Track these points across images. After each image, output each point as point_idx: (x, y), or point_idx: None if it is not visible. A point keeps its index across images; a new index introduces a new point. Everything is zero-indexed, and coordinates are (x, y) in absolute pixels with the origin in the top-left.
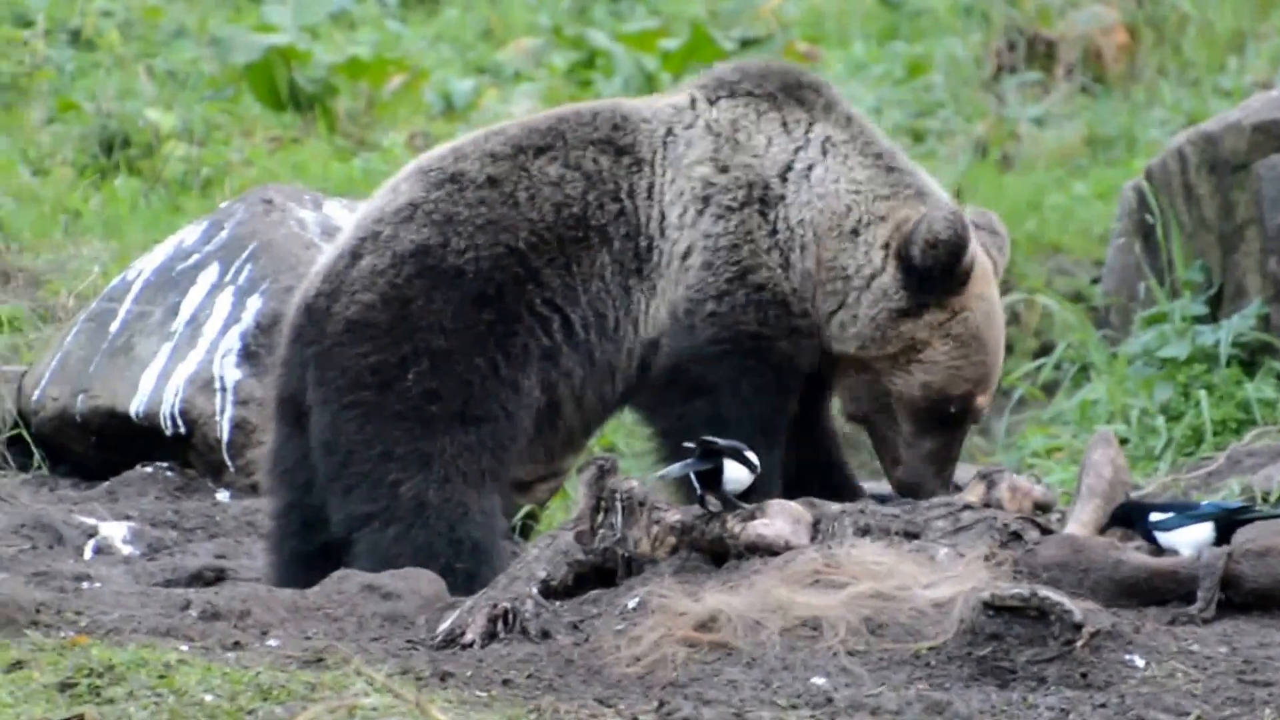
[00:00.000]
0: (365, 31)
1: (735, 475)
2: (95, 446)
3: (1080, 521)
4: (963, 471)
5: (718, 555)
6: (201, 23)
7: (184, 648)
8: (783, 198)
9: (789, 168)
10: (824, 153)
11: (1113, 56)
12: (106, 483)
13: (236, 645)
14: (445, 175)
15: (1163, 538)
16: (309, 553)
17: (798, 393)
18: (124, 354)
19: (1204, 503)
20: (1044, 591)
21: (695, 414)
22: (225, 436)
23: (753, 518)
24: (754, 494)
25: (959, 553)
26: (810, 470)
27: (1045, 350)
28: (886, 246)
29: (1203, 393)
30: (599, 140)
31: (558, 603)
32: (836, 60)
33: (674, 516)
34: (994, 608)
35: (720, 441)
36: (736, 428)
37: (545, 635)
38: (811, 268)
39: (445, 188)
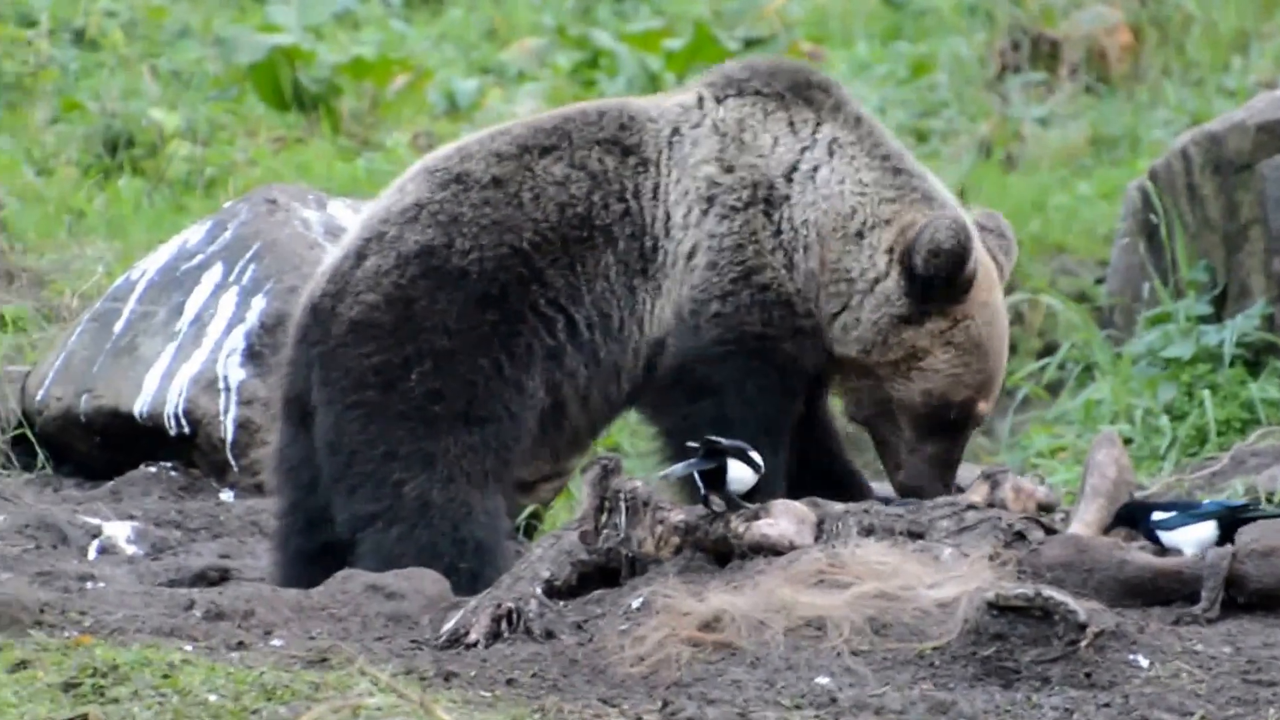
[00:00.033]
0: (369, 31)
1: (740, 475)
2: (99, 446)
3: (1084, 521)
4: (967, 472)
5: (722, 555)
6: (206, 23)
7: (188, 648)
8: (787, 198)
9: (794, 168)
10: (830, 153)
11: (1117, 56)
12: (110, 483)
13: (240, 645)
14: (450, 176)
15: (1165, 537)
16: (313, 552)
17: (803, 394)
18: (128, 354)
19: (1206, 501)
20: (1048, 591)
21: (700, 414)
22: (229, 436)
23: (757, 518)
24: (758, 494)
25: (963, 553)
26: (810, 463)
27: (1049, 350)
28: (891, 251)
29: (1207, 393)
30: (605, 140)
31: (562, 603)
32: (840, 60)
33: (678, 516)
34: (998, 608)
35: (724, 441)
36: (741, 428)
37: (549, 635)
38: (815, 268)
39: (450, 188)
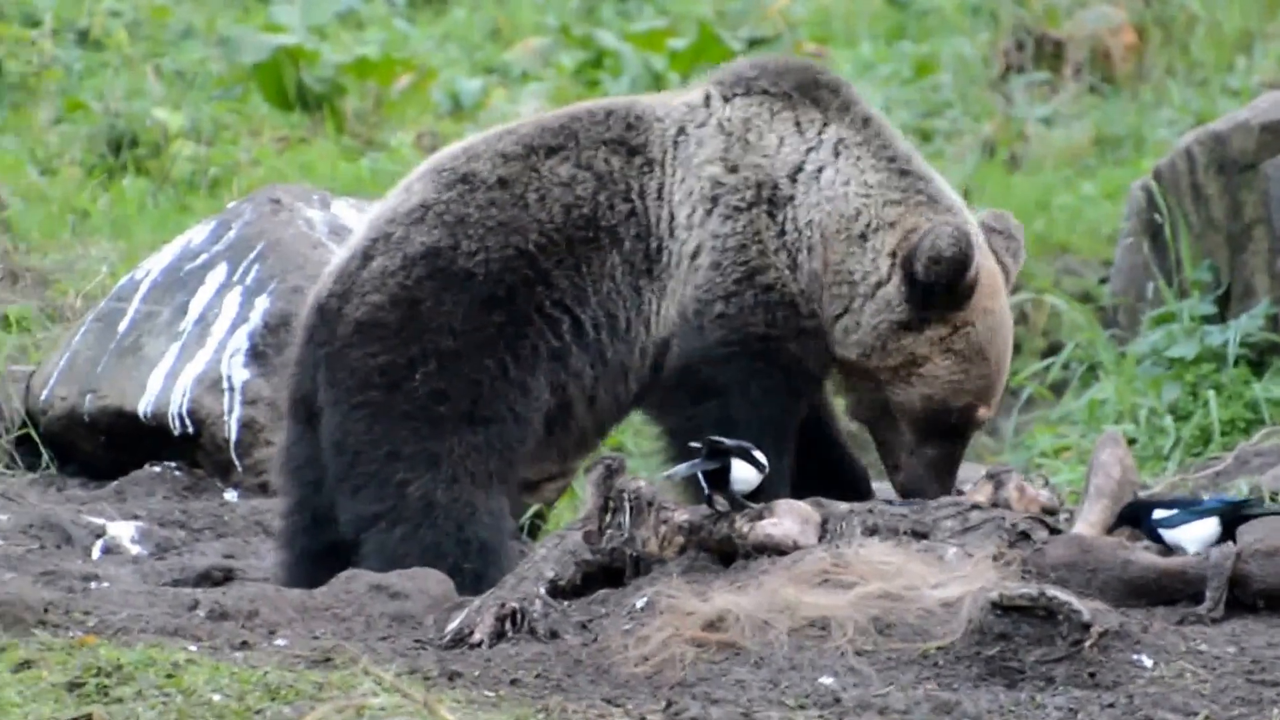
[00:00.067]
0: (373, 31)
1: (744, 475)
2: (103, 446)
3: (1088, 521)
4: (971, 471)
5: (726, 555)
6: (209, 22)
7: (192, 647)
8: (792, 198)
9: (799, 169)
10: (836, 154)
11: (1121, 56)
12: (114, 482)
13: (244, 645)
14: (457, 176)
15: (1168, 534)
16: (319, 551)
17: (808, 395)
18: (132, 354)
19: (1208, 498)
20: (1052, 591)
21: (704, 415)
22: (233, 436)
23: (761, 517)
24: (762, 495)
25: (967, 552)
26: (810, 454)
27: (1053, 350)
28: (894, 255)
29: (1211, 392)
30: (611, 140)
31: (565, 602)
32: (844, 60)
33: (682, 516)
34: (1002, 607)
35: (727, 441)
36: (746, 429)
37: (553, 635)
38: (819, 269)
39: (456, 189)
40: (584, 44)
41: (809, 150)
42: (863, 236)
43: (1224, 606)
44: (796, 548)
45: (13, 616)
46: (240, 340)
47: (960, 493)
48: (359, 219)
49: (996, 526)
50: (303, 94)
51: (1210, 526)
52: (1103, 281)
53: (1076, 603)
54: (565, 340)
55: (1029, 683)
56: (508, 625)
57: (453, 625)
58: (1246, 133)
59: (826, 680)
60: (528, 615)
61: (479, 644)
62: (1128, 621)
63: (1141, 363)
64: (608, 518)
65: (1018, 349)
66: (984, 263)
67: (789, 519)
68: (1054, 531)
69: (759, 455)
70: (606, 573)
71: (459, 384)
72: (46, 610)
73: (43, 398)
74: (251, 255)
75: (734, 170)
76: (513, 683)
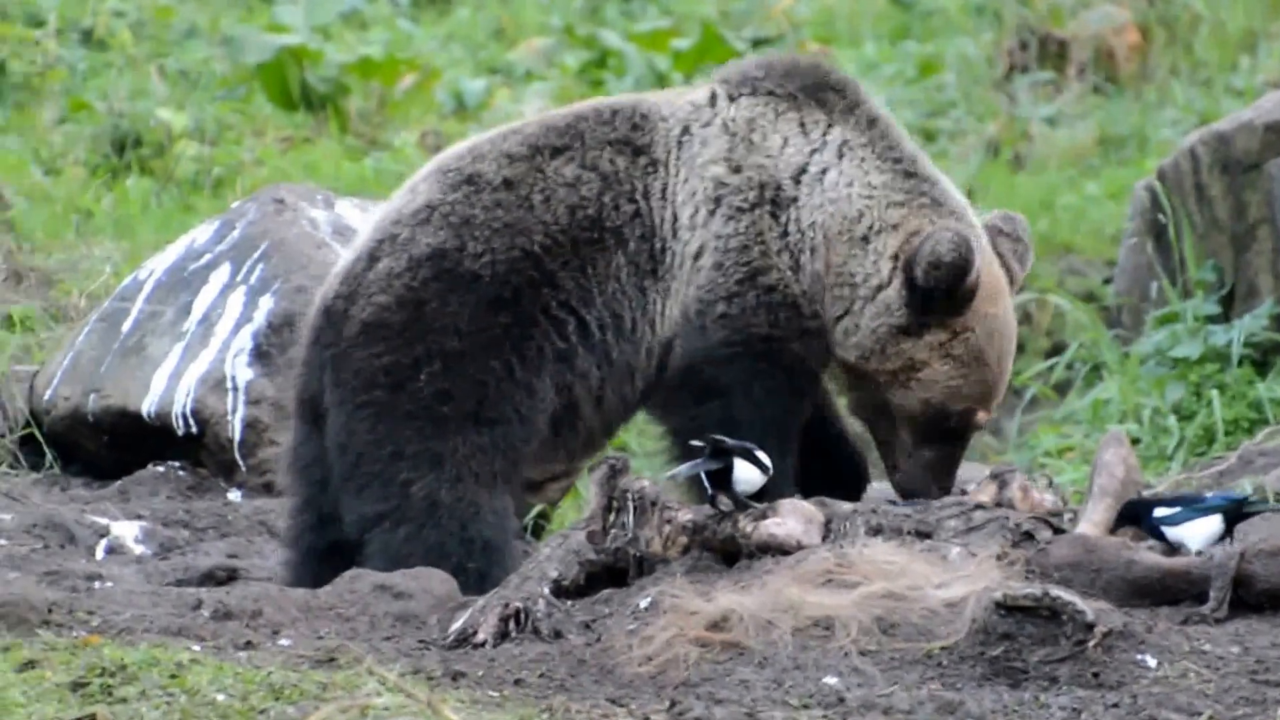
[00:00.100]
0: (377, 31)
1: (747, 476)
2: (107, 446)
3: (1092, 521)
4: (975, 471)
5: (729, 555)
6: (213, 22)
7: (196, 647)
8: (795, 199)
9: (803, 170)
10: (840, 156)
11: (1125, 56)
12: (118, 482)
13: (248, 645)
14: (462, 177)
15: (1170, 532)
16: (324, 550)
17: (811, 395)
18: (136, 354)
19: (1209, 495)
20: (1056, 591)
21: (708, 415)
22: (237, 436)
23: (764, 517)
24: (766, 495)
25: (971, 552)
26: (812, 443)
27: (1057, 350)
28: (896, 258)
29: (1215, 392)
30: (616, 140)
31: (569, 602)
32: (848, 60)
33: (686, 516)
34: (1006, 608)
35: (730, 441)
36: (749, 430)
37: (557, 635)
38: (821, 270)
39: (462, 189)
40: (588, 44)
41: (813, 151)
42: (865, 239)
43: (1228, 607)
44: (800, 547)
45: (17, 616)
46: (244, 340)
47: (964, 492)
48: (363, 219)
49: (1000, 526)
50: (306, 94)
51: (1214, 524)
52: (1106, 281)
53: (1080, 603)
54: (571, 341)
55: (1033, 683)
56: (512, 625)
57: (456, 625)
58: (1250, 133)
59: (830, 680)
60: (531, 615)
61: (483, 644)
62: (1131, 621)
63: (1145, 363)
64: (611, 517)
65: (1021, 349)
66: (985, 267)
67: (792, 519)
68: (1058, 531)
69: (762, 455)
70: (610, 573)
71: (464, 385)
72: (50, 610)
73: (46, 398)
74: (255, 255)
75: (737, 171)
76: (516, 683)
